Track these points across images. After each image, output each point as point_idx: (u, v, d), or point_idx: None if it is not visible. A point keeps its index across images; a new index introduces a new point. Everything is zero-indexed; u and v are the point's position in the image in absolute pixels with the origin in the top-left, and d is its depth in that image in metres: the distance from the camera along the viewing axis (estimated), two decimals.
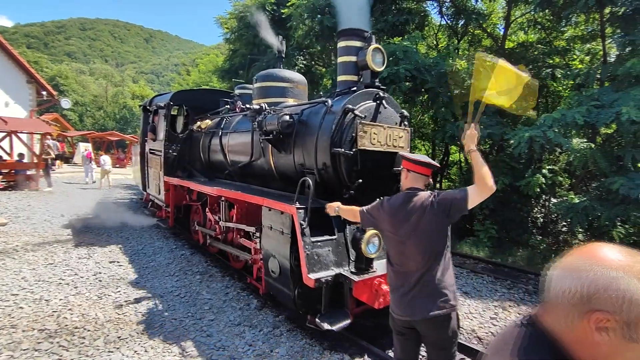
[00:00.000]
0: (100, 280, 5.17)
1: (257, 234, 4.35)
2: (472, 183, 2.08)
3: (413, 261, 2.18)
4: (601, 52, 8.14)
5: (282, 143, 4.10)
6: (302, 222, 3.26)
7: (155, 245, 7.08)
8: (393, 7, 10.58)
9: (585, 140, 6.81)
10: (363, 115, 3.57)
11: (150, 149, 8.13)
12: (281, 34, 12.81)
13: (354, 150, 3.52)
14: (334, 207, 2.93)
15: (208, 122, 6.91)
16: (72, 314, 4.10)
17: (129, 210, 10.03)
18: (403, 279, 2.22)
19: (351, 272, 3.28)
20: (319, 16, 10.91)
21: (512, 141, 6.63)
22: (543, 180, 7.13)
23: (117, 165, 25.81)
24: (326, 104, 3.73)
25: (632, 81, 6.25)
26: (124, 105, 51.41)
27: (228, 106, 6.57)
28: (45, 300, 4.45)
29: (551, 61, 9.13)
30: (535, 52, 9.38)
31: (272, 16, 12.97)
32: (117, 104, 51.80)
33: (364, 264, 3.28)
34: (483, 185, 2.02)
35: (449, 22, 11.37)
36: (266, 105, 4.68)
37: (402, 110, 4.06)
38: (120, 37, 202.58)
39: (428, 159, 2.35)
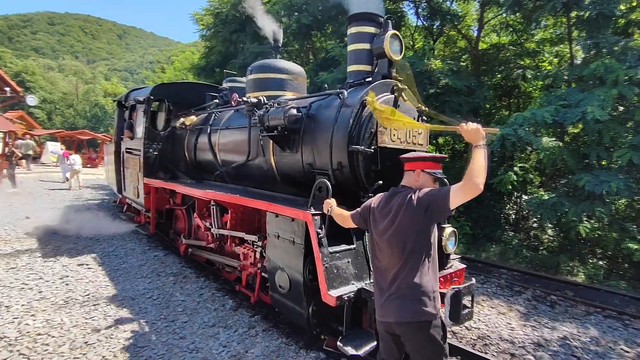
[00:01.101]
0: (67, 284, 4.91)
1: (258, 243, 3.87)
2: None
3: (388, 259, 2.09)
4: (568, 55, 8.56)
5: (287, 140, 3.64)
6: (318, 230, 2.81)
7: (127, 247, 6.77)
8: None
9: (554, 138, 7.12)
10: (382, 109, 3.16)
11: (127, 148, 7.43)
12: (258, 31, 12.85)
13: (373, 147, 3.12)
14: (328, 207, 2.70)
15: (193, 118, 6.32)
16: (35, 320, 3.88)
17: (103, 215, 9.22)
18: (382, 277, 2.14)
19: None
20: (296, 14, 10.79)
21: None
22: (515, 177, 7.45)
23: (89, 165, 24.75)
24: (341, 96, 3.30)
25: (597, 82, 6.62)
26: (95, 103, 49.17)
27: (217, 101, 6.01)
28: (6, 306, 4.16)
29: (522, 62, 9.46)
30: (507, 54, 9.68)
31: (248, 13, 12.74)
32: (89, 102, 49.48)
33: None
34: (471, 184, 1.84)
35: (424, 23, 11.67)
36: (265, 99, 4.21)
37: (419, 104, 3.69)
38: (92, 32, 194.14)
39: (416, 154, 2.30)
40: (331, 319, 3.12)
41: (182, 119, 6.48)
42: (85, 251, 6.42)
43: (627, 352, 3.97)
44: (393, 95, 3.36)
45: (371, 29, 3.54)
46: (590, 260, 7.23)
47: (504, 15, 9.53)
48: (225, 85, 6.16)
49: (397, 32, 3.42)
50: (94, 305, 4.30)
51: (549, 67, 9.19)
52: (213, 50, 15.03)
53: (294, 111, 3.41)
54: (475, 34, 10.92)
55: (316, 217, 2.84)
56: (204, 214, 5.30)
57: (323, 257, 2.76)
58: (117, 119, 8.40)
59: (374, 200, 2.29)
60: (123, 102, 8.08)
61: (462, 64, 10.05)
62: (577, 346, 4.00)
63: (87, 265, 5.69)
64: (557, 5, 7.04)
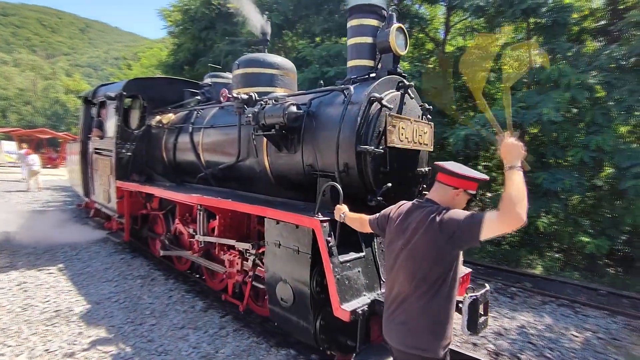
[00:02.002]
0: (25, 291, 4.70)
1: (252, 251, 3.56)
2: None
3: (399, 280, 1.85)
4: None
5: (285, 140, 3.35)
6: (328, 238, 2.56)
7: (92, 250, 6.53)
8: (341, 7, 10.71)
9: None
10: (391, 106, 2.96)
11: (96, 149, 6.84)
12: (227, 29, 12.61)
13: (381, 147, 2.90)
14: (340, 213, 2.44)
15: (171, 116, 5.87)
16: None
17: (69, 221, 8.48)
18: (390, 297, 1.92)
19: None
20: (267, 12, 10.72)
21: (450, 139, 7.21)
22: None
23: (49, 166, 23.16)
24: (346, 92, 3.06)
25: (552, 85, 7.01)
26: (56, 100, 46.19)
27: (198, 97, 5.60)
28: None
29: (488, 65, 9.70)
30: (472, 57, 10.00)
31: (218, 11, 12.84)
32: (48, 99, 46.48)
33: None
34: (511, 215, 1.51)
35: None
36: (256, 95, 3.91)
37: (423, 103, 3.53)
38: (51, 25, 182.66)
39: (456, 167, 1.87)
40: (339, 333, 2.87)
41: (158, 117, 6.02)
42: (46, 255, 6.07)
43: (577, 336, 4.24)
44: (399, 93, 3.18)
45: (374, 22, 3.34)
46: (548, 254, 7.61)
47: (469, 19, 9.93)
48: (207, 80, 5.75)
49: (402, 26, 3.22)
50: (55, 311, 4.12)
51: (511, 70, 9.69)
52: (182, 47, 14.64)
53: (294, 108, 3.13)
54: (442, 37, 11.33)
55: (324, 224, 2.59)
56: (186, 220, 4.90)
57: (334, 267, 2.51)
58: (84, 116, 7.75)
59: (393, 210, 2.03)
60: (90, 99, 7.45)
61: (429, 66, 10.42)
62: (533, 334, 4.22)
63: (47, 270, 5.41)
64: (517, 13, 7.54)
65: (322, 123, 3.13)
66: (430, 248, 1.73)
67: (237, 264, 3.74)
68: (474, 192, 1.90)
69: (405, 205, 1.98)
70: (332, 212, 2.76)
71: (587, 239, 6.53)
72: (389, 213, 2.03)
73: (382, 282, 2.89)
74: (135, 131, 6.24)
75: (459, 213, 1.72)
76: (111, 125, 6.22)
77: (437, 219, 1.72)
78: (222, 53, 11.46)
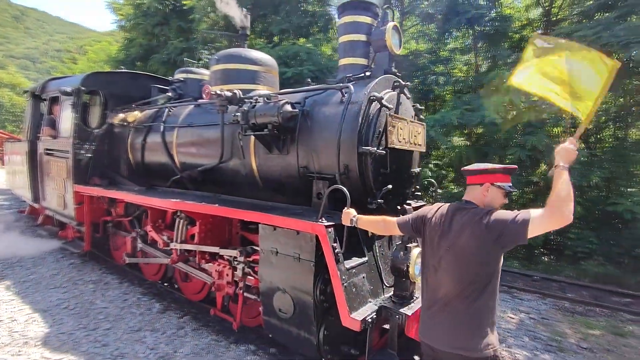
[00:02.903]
0: None
1: (240, 259, 3.33)
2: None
3: (444, 282, 1.85)
4: (475, 64, 9.92)
5: (277, 140, 3.17)
6: (334, 244, 2.43)
7: (37, 255, 6.18)
8: (298, 9, 11.11)
9: (463, 138, 8.28)
10: (391, 106, 2.90)
11: (48, 149, 6.16)
12: (182, 26, 12.15)
13: (381, 148, 2.83)
14: (350, 216, 2.34)
15: (137, 114, 5.41)
16: None
17: (13, 229, 7.57)
18: (434, 298, 1.90)
19: (393, 302, 2.59)
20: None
21: None
22: (430, 173, 8.14)
23: None
24: (345, 91, 2.94)
25: (494, 89, 7.54)
26: None
27: (169, 94, 5.21)
28: None
29: (436, 69, 10.32)
30: (424, 60, 10.48)
31: (172, 6, 12.55)
32: None
33: (408, 290, 2.61)
34: (558, 213, 1.58)
35: None
36: (240, 92, 3.68)
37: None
38: None
39: (474, 165, 1.96)
40: (341, 343, 2.76)
41: (121, 115, 5.52)
42: None
43: (513, 318, 4.62)
44: (396, 92, 3.13)
45: (367, 19, 3.27)
46: None
47: (421, 25, 10.43)
48: (177, 76, 5.37)
49: (397, 24, 3.18)
50: None
51: (459, 74, 10.32)
52: (133, 42, 13.97)
53: (289, 107, 2.96)
54: None
55: (330, 230, 2.46)
56: (159, 227, 4.53)
57: (341, 275, 2.39)
58: (31, 113, 6.95)
59: (429, 211, 2.01)
60: (39, 94, 6.69)
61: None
62: None
63: None
64: (462, 21, 8.35)
65: (319, 123, 2.99)
66: (477, 249, 1.73)
67: (228, 274, 3.48)
68: (504, 184, 1.86)
69: (444, 206, 1.97)
70: (331, 216, 2.64)
71: None
72: (425, 214, 2.01)
73: (384, 286, 2.82)
74: (96, 130, 5.69)
75: (505, 213, 1.73)
76: (67, 123, 5.62)
77: (484, 220, 1.73)
78: (177, 50, 11.19)
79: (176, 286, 4.82)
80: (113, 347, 3.49)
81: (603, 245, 6.97)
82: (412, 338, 2.38)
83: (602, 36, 6.49)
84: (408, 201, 3.49)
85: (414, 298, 2.63)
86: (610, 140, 9.15)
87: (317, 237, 2.50)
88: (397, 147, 2.93)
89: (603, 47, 6.41)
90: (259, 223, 2.90)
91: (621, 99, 8.82)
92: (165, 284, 5.01)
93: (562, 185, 1.59)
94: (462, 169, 2.00)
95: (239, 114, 3.16)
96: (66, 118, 5.69)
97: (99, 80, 5.85)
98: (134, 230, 5.00)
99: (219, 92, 3.51)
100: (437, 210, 1.98)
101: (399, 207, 3.22)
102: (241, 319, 3.47)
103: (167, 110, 4.84)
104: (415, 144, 3.25)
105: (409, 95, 3.28)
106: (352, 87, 2.88)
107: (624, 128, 9.37)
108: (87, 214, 5.49)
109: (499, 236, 1.69)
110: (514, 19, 9.32)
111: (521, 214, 1.68)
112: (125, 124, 5.40)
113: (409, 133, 3.11)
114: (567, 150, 1.68)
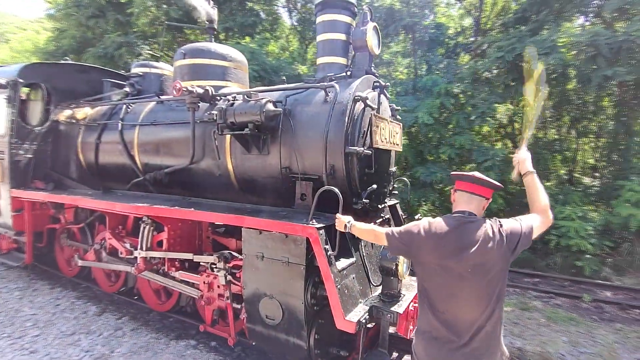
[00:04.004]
0: None
1: (219, 266, 3.16)
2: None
3: (469, 307, 1.68)
4: (414, 67, 10.73)
5: (257, 140, 3.04)
6: (326, 246, 2.39)
7: None
8: (243, 7, 11.27)
9: (405, 137, 8.87)
10: (375, 106, 2.91)
11: None
12: (120, 19, 11.44)
13: (365, 148, 2.83)
14: (344, 222, 2.24)
15: (88, 111, 4.92)
16: None
17: None
18: (453, 329, 1.69)
19: (382, 302, 2.60)
20: (164, 6, 10.31)
21: None
22: None
23: None
24: (330, 90, 2.87)
25: (428, 92, 8.39)
26: None
27: (127, 89, 4.79)
28: None
29: (380, 71, 11.09)
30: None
31: None
32: None
33: (396, 288, 2.64)
34: (547, 219, 1.75)
35: (297, 27, 12.90)
36: (213, 90, 3.49)
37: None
38: None
39: (484, 177, 1.83)
40: (329, 345, 2.73)
41: (68, 111, 5.00)
42: None
43: None
44: (376, 92, 3.15)
45: (347, 18, 3.25)
46: None
47: None
48: (135, 70, 4.96)
49: (377, 25, 3.20)
50: None
51: (401, 77, 10.95)
52: (65, 33, 12.81)
53: (271, 106, 2.85)
54: None
55: (321, 232, 2.41)
56: (120, 234, 4.16)
57: (334, 277, 2.35)
58: None
59: (419, 231, 1.77)
60: None
61: None
62: None
63: None
64: (398, 27, 9.00)
65: (302, 122, 2.91)
66: (502, 265, 1.67)
67: (219, 287, 3.20)
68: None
69: (438, 223, 1.76)
70: (319, 218, 2.59)
71: None
72: (418, 231, 1.77)
73: (372, 286, 2.83)
74: (37, 128, 5.09)
75: (513, 222, 1.72)
76: (1, 120, 4.95)
77: (503, 232, 1.67)
78: (114, 44, 10.59)
79: (135, 298, 4.48)
80: (43, 353, 3.43)
81: None
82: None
83: (516, 47, 7.35)
84: (385, 200, 3.55)
85: (402, 295, 2.67)
86: (530, 140, 10.22)
87: (307, 239, 2.43)
88: (380, 147, 2.95)
89: (517, 57, 7.27)
90: (242, 227, 2.76)
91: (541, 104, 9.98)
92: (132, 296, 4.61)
93: (539, 190, 1.72)
94: (472, 174, 1.81)
95: (215, 112, 2.98)
96: (0, 114, 5.01)
97: (41, 72, 5.23)
98: (98, 237, 4.52)
99: (190, 88, 3.29)
100: (432, 227, 1.75)
101: (380, 206, 3.26)
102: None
103: (124, 107, 4.45)
104: (394, 144, 3.30)
105: (389, 96, 3.32)
106: (337, 87, 2.84)
107: (542, 129, 10.58)
108: (29, 222, 4.90)
109: (515, 246, 1.67)
110: (448, 27, 10.17)
111: (525, 222, 1.71)
112: (73, 121, 4.89)
113: (389, 133, 3.15)
114: (525, 157, 1.83)
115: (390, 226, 3.43)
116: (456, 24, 12.47)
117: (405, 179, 4.07)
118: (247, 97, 2.89)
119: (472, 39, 10.82)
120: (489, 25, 11.15)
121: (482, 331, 1.66)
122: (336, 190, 2.45)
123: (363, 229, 2.17)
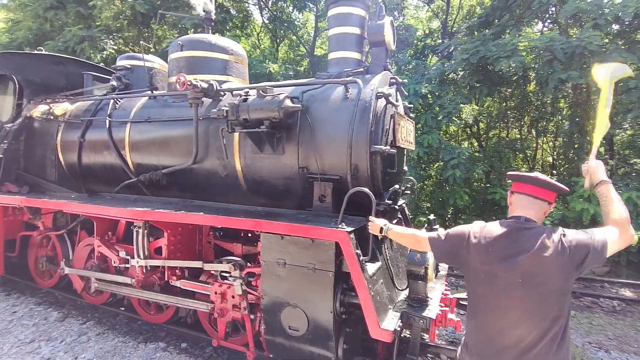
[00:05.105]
0: None
1: (235, 274, 2.93)
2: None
3: (517, 324, 1.51)
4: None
5: (271, 138, 2.85)
6: (357, 251, 2.25)
7: None
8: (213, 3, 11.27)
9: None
10: (398, 104, 2.80)
11: None
12: (82, 12, 10.84)
13: (388, 147, 2.71)
14: (380, 225, 2.12)
15: (67, 106, 4.52)
16: None
17: None
18: (498, 345, 1.55)
19: (410, 306, 2.50)
20: (130, 0, 9.95)
21: None
22: None
23: None
24: (351, 86, 2.72)
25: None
26: None
27: (113, 83, 4.42)
28: None
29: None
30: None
31: None
32: None
33: (424, 292, 2.54)
34: (627, 234, 1.48)
35: (268, 25, 12.97)
36: (217, 84, 3.26)
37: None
38: None
39: (548, 178, 1.64)
40: (355, 354, 2.59)
41: (44, 107, 4.58)
42: None
43: None
44: (394, 89, 3.04)
45: (361, 12, 3.12)
46: None
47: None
48: (122, 62, 4.59)
49: (392, 19, 3.09)
50: None
51: None
52: (20, 25, 11.95)
53: (289, 102, 2.67)
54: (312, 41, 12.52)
55: (352, 236, 2.26)
56: (110, 240, 3.82)
57: (368, 284, 2.22)
58: None
59: (471, 232, 1.64)
60: None
61: (299, 68, 11.32)
62: None
63: None
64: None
65: (321, 119, 2.75)
66: (561, 279, 1.48)
67: (234, 298, 2.93)
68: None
69: (492, 226, 1.63)
70: (345, 221, 2.45)
71: (423, 219, 7.98)
72: (467, 234, 1.64)
73: (396, 290, 2.73)
74: (7, 125, 4.62)
75: (581, 234, 1.51)
76: None
77: (565, 242, 1.47)
78: (76, 38, 10.02)
79: (122, 309, 4.15)
80: None
81: None
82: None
83: (479, 50, 7.57)
84: (399, 200, 3.46)
85: (429, 299, 2.58)
86: (494, 139, 10.67)
87: (336, 244, 2.28)
88: (402, 145, 2.85)
89: (481, 59, 7.50)
90: (260, 232, 2.57)
91: (504, 104, 10.44)
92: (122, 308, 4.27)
93: (620, 203, 1.51)
94: (534, 175, 1.64)
95: (225, 107, 2.76)
96: None
97: (11, 63, 4.76)
98: (80, 245, 4.13)
99: (193, 82, 3.05)
100: (483, 232, 1.62)
101: (397, 207, 3.16)
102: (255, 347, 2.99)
103: (112, 102, 4.10)
104: (409, 142, 3.22)
105: (406, 93, 3.23)
106: (360, 82, 2.70)
107: (505, 129, 11.02)
108: (0, 230, 4.43)
109: (582, 261, 1.46)
110: (417, 29, 10.50)
111: (598, 236, 1.49)
112: (51, 117, 4.47)
113: (406, 132, 3.06)
114: (596, 166, 1.61)
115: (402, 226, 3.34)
116: (424, 26, 12.84)
117: (412, 178, 4.00)
118: (263, 92, 2.69)
119: (439, 41, 11.13)
120: (455, 28, 11.51)
121: (532, 353, 1.47)
122: (368, 191, 2.31)
123: (402, 233, 2.03)
